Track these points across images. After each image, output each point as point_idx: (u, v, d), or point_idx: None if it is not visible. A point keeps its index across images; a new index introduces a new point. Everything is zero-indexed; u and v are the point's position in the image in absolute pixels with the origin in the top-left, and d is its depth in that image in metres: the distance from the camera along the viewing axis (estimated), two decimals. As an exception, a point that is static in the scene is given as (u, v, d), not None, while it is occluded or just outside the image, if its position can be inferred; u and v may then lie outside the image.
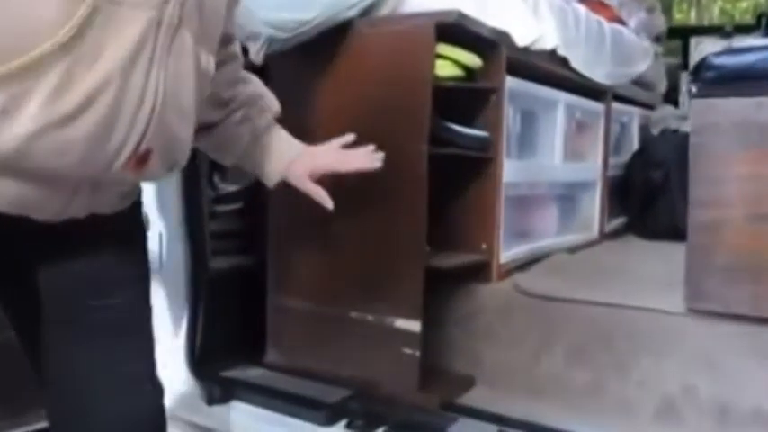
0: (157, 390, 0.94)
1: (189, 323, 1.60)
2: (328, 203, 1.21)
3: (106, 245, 0.87)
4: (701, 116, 1.30)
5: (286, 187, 1.22)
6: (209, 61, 0.85)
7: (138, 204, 0.95)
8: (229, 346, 1.63)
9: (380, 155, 1.23)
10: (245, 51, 1.46)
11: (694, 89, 1.29)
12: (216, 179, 1.72)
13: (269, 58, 1.46)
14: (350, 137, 1.23)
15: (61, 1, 0.67)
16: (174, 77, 0.76)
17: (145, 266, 0.96)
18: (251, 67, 1.56)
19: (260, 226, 1.64)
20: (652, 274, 1.67)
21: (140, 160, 0.76)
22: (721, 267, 1.27)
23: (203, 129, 1.10)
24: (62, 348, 0.87)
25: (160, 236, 1.59)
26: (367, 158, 1.23)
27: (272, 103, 1.17)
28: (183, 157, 0.86)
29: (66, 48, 0.67)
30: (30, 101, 0.67)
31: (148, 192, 1.55)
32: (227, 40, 1.01)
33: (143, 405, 0.91)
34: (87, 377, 0.87)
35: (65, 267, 0.85)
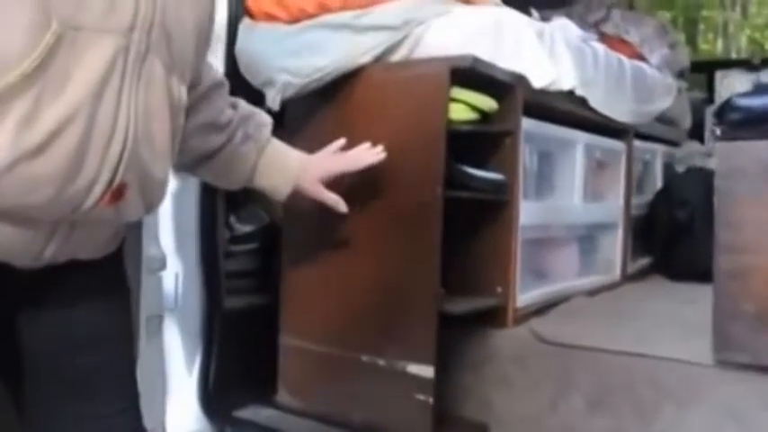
0: None
1: (202, 362, 1.60)
2: (343, 207, 1.29)
3: (87, 297, 0.85)
4: (727, 159, 1.26)
5: (295, 199, 1.28)
6: (181, 92, 0.83)
7: (120, 254, 0.92)
8: (242, 386, 1.62)
9: (379, 148, 1.32)
10: (261, 98, 1.49)
11: (719, 131, 1.25)
12: (232, 219, 1.73)
13: (285, 103, 1.47)
14: (342, 141, 1.32)
15: (25, 31, 0.65)
16: (146, 107, 0.74)
17: (128, 318, 0.94)
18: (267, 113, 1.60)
19: (274, 266, 1.64)
20: (677, 319, 1.62)
21: (115, 195, 0.74)
22: (750, 316, 1.22)
23: (207, 158, 1.11)
24: (44, 401, 0.85)
25: (176, 276, 1.60)
26: (370, 155, 1.32)
27: (265, 117, 1.21)
28: (160, 197, 0.84)
29: (31, 78, 0.65)
30: None
31: (166, 231, 1.58)
32: (201, 69, 1.00)
33: None
34: (71, 430, 0.86)
35: (46, 320, 0.83)
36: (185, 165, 1.13)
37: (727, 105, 1.22)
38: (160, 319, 1.58)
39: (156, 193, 0.83)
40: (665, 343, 1.39)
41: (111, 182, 0.72)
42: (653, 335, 1.47)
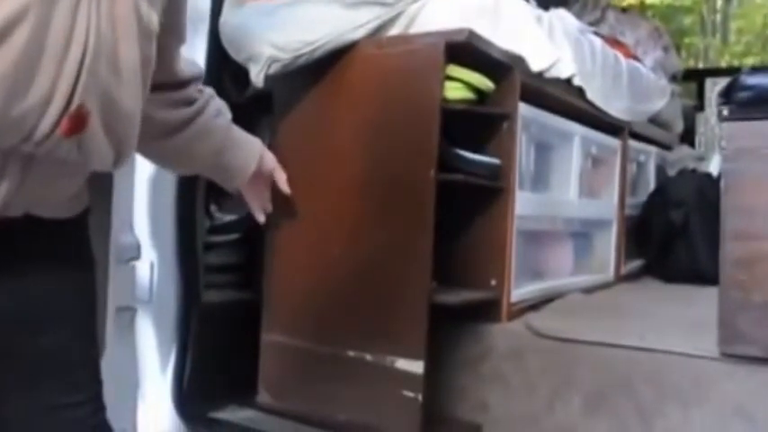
0: None
1: (177, 360, 1.52)
2: (261, 217, 1.34)
3: (47, 269, 0.77)
4: (735, 140, 1.21)
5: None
6: (150, 16, 0.76)
7: (84, 227, 0.84)
8: (219, 385, 1.54)
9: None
10: (246, 74, 1.42)
11: (726, 111, 1.21)
12: (213, 208, 1.65)
13: (270, 80, 1.41)
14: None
15: None
16: (110, 24, 0.68)
17: (89, 296, 0.85)
18: (252, 93, 1.53)
19: (257, 258, 1.56)
20: (677, 317, 1.57)
21: (75, 123, 0.66)
22: (759, 306, 1.17)
23: (176, 130, 1.03)
24: None
25: (151, 266, 1.52)
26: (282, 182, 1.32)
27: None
28: (131, 138, 0.76)
29: None
30: None
31: (141, 218, 1.51)
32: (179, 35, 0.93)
33: None
34: (25, 421, 0.78)
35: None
36: (152, 135, 1.02)
37: (736, 84, 1.18)
38: (132, 312, 1.51)
39: (125, 131, 0.74)
40: (667, 338, 1.33)
41: (68, 103, 0.65)
42: (654, 331, 1.41)
